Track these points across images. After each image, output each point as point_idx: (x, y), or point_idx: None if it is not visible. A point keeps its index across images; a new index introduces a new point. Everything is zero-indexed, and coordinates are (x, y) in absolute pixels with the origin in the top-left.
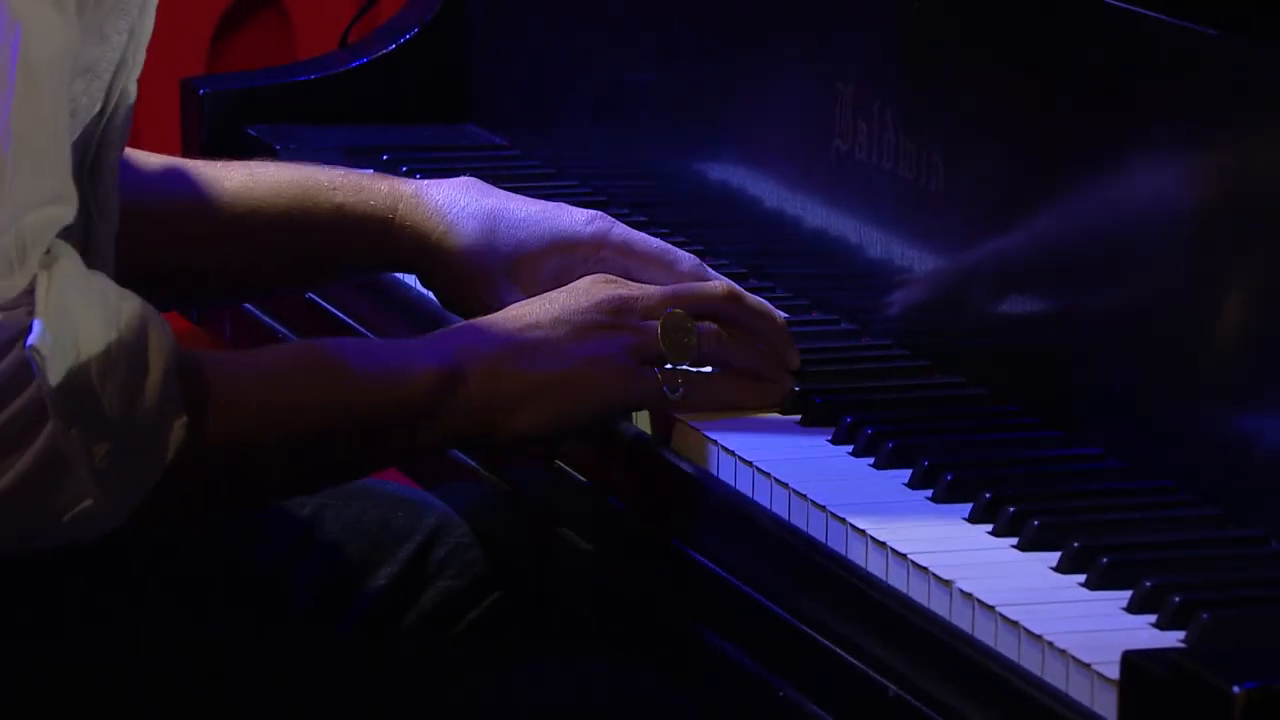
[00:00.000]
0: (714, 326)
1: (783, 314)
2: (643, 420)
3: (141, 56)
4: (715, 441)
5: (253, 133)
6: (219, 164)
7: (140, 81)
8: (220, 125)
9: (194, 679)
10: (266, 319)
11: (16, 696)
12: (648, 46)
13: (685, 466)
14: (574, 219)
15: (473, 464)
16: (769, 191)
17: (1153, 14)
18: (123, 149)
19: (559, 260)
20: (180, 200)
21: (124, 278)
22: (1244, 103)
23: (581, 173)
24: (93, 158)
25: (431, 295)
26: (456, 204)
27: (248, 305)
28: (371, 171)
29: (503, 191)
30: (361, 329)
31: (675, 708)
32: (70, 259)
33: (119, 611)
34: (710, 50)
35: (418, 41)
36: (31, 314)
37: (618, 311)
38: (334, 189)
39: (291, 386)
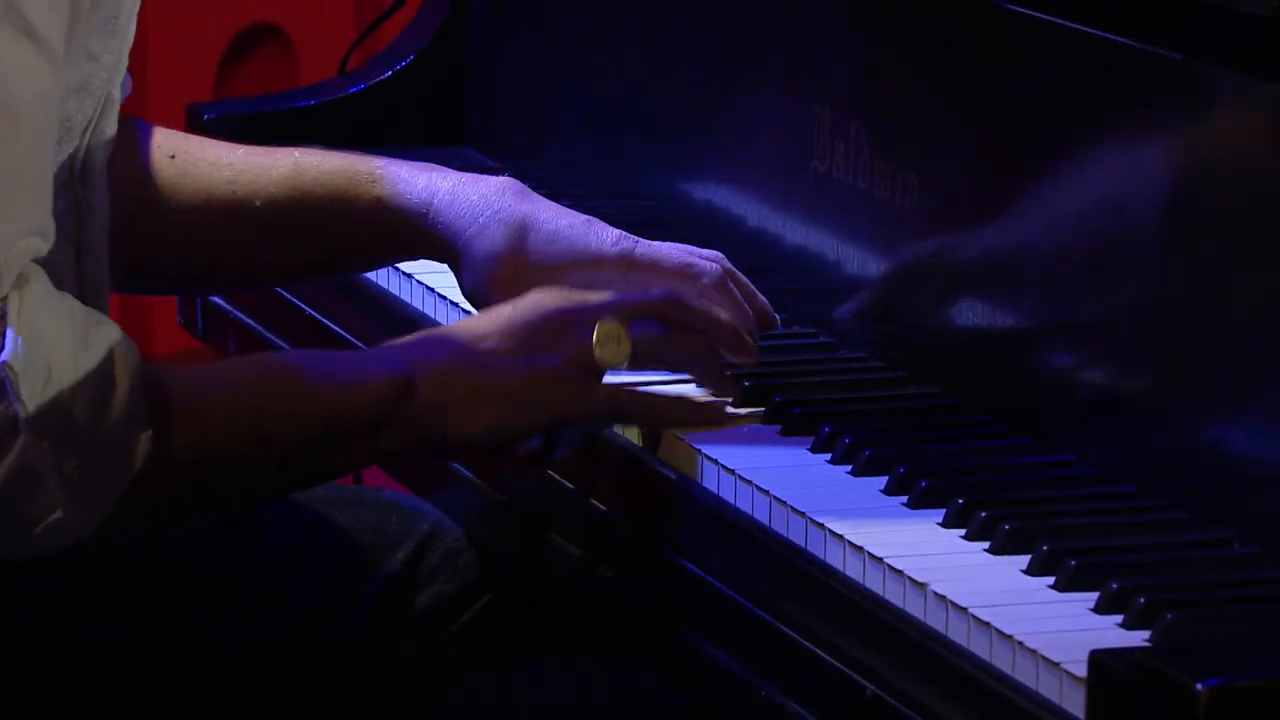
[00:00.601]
0: (650, 331)
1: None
2: (630, 430)
3: (124, 63)
4: (699, 450)
5: None
6: (265, 152)
7: (150, 106)
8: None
9: (193, 680)
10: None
11: (16, 696)
12: (636, 73)
13: (671, 475)
14: (602, 238)
15: (466, 473)
16: (751, 210)
17: (1118, 38)
18: (109, 151)
19: (582, 276)
20: (225, 198)
21: (179, 266)
22: (1207, 122)
23: (573, 193)
24: (82, 162)
25: (400, 295)
26: (491, 206)
27: (217, 300)
28: (412, 162)
29: (540, 199)
30: (336, 328)
31: (662, 707)
32: (40, 281)
33: (119, 612)
34: (695, 76)
35: (414, 68)
36: (3, 335)
37: (560, 324)
38: (374, 181)
39: (254, 397)
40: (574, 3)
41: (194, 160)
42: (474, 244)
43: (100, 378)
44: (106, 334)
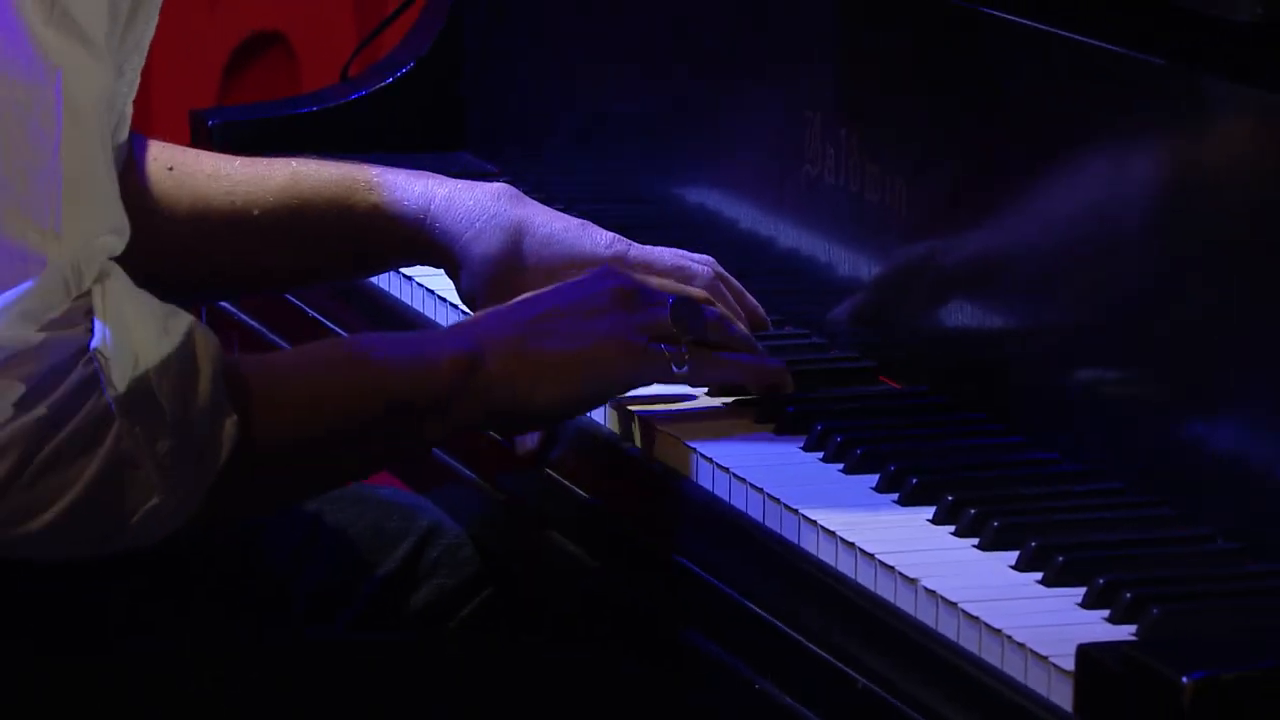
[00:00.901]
0: (720, 311)
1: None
2: (627, 429)
3: (137, 78)
4: (694, 449)
5: None
6: (264, 162)
7: (154, 113)
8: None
9: (197, 678)
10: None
11: (20, 698)
12: (630, 80)
13: (665, 473)
14: (596, 241)
15: (466, 471)
16: (744, 213)
17: (1102, 44)
18: (121, 161)
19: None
20: (224, 207)
21: (180, 274)
22: (1191, 127)
23: (568, 197)
24: None
25: (401, 297)
26: (487, 211)
27: (234, 309)
28: (409, 171)
29: (535, 204)
30: (339, 330)
31: (657, 699)
32: (120, 275)
33: (124, 616)
34: (688, 83)
35: (414, 75)
36: (87, 329)
37: (628, 295)
38: (371, 188)
39: (330, 380)
40: (569, 12)
41: (191, 172)
42: (471, 248)
43: (183, 363)
44: (185, 322)
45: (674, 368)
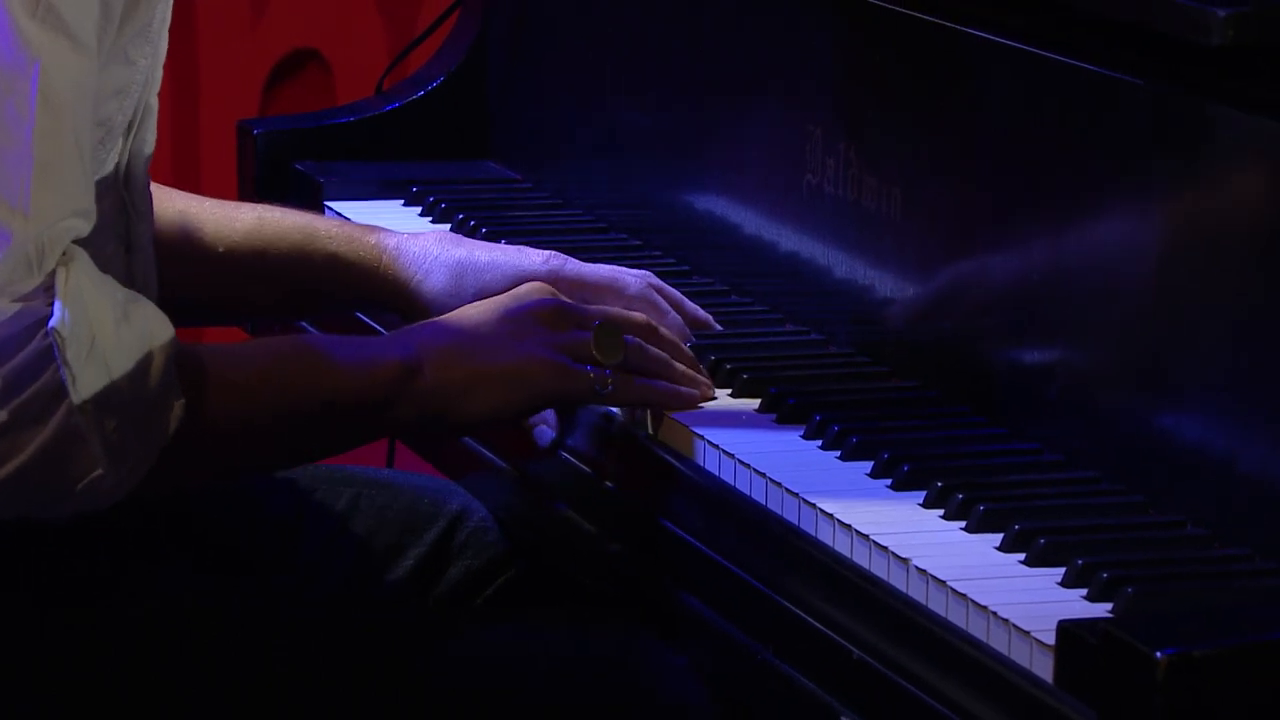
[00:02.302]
0: (638, 340)
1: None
2: (640, 416)
3: (159, 73)
4: (702, 436)
5: (299, 168)
6: (232, 205)
7: (203, 124)
8: (271, 162)
9: (240, 646)
10: None
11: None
12: (644, 94)
13: (675, 459)
14: (531, 260)
15: (494, 457)
16: (749, 219)
17: (1083, 65)
18: (150, 155)
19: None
20: (193, 240)
21: (167, 300)
22: (1167, 144)
23: (586, 203)
24: (126, 167)
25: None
26: (429, 255)
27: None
28: (361, 224)
29: (471, 241)
30: (373, 323)
31: (667, 666)
32: (84, 259)
33: (170, 587)
34: (697, 96)
35: (443, 89)
36: (49, 305)
37: (555, 315)
38: (330, 238)
39: (277, 373)
40: (587, 31)
41: (164, 208)
42: (421, 288)
43: (139, 348)
44: (144, 311)
45: (598, 389)
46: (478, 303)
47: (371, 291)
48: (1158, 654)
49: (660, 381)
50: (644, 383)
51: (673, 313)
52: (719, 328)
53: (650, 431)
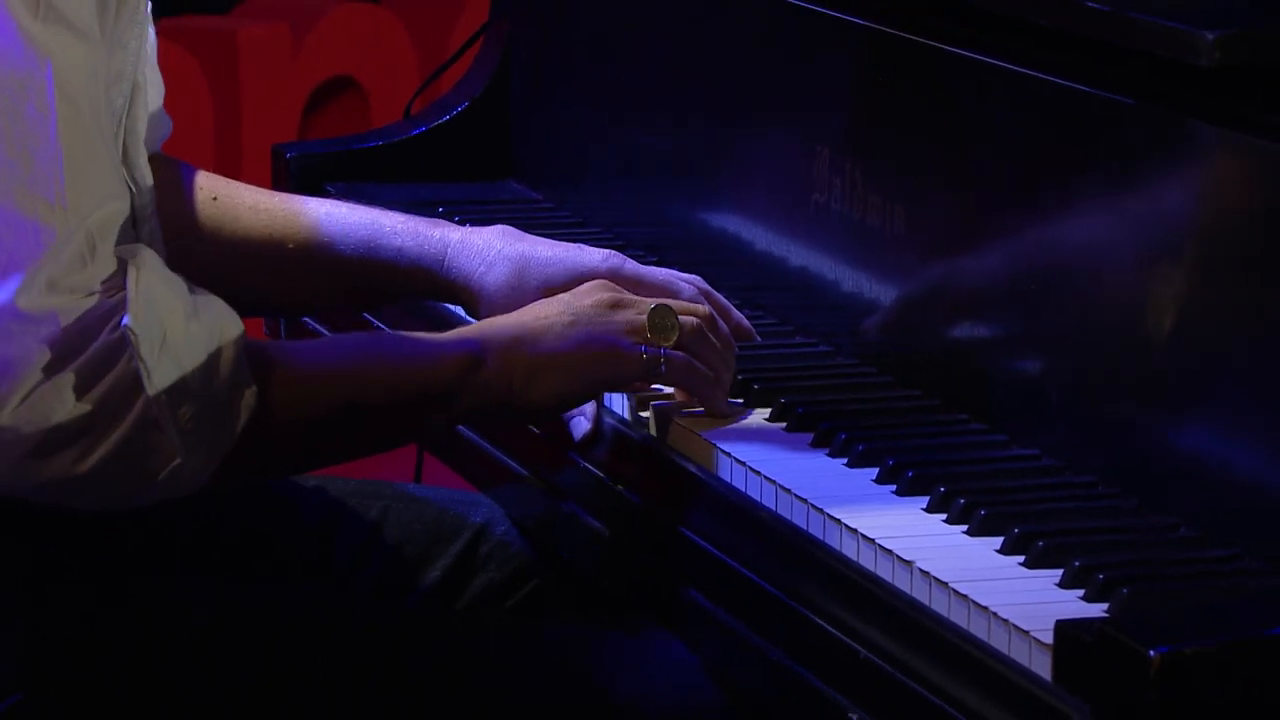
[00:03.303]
0: (694, 320)
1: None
2: (661, 427)
3: (145, 47)
4: (715, 445)
5: (331, 189)
6: (299, 200)
7: (245, 147)
8: (305, 183)
9: (270, 650)
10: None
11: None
12: (659, 117)
13: (690, 467)
14: (592, 257)
15: (518, 468)
16: (759, 236)
17: (1077, 86)
18: (145, 128)
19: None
20: (262, 235)
21: (224, 293)
22: (1157, 160)
23: (604, 221)
24: (123, 142)
25: (455, 310)
26: (492, 249)
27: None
28: (426, 219)
29: (532, 237)
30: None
31: (682, 665)
32: (150, 255)
33: (213, 591)
34: (710, 120)
35: (468, 113)
36: (113, 298)
37: (612, 305)
38: (395, 233)
39: (346, 367)
40: (605, 58)
41: (234, 204)
42: (484, 281)
43: (210, 341)
44: (214, 306)
45: (652, 370)
46: (537, 301)
47: (435, 285)
48: (1151, 652)
49: (705, 374)
50: (696, 367)
51: (732, 310)
52: (759, 339)
53: (653, 434)
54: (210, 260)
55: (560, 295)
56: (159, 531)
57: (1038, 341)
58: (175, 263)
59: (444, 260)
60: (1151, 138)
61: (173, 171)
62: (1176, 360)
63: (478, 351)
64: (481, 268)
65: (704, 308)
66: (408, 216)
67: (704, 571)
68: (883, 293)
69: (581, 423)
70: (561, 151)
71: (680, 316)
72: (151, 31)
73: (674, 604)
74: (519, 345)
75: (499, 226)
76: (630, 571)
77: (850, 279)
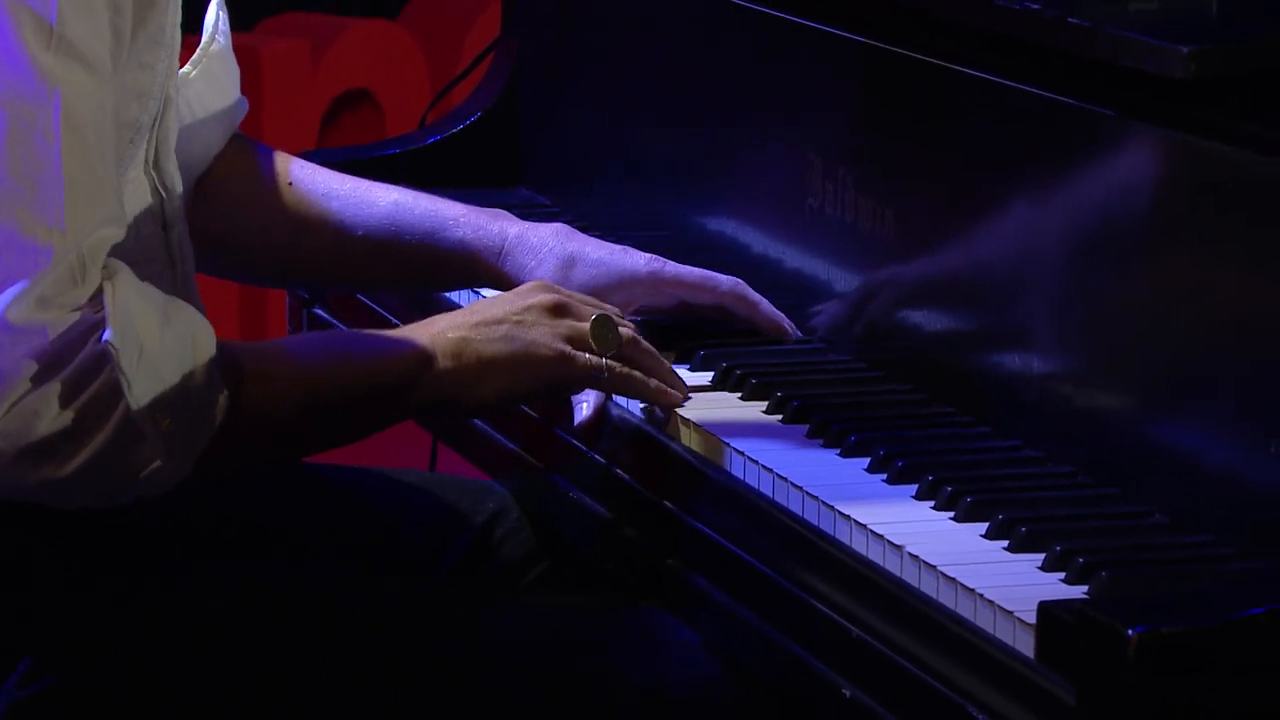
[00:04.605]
0: (631, 331)
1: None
2: (660, 416)
3: (175, 68)
4: (715, 436)
5: None
6: (366, 188)
7: None
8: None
9: (304, 629)
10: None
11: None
12: (662, 126)
13: (691, 457)
14: (635, 261)
15: (528, 458)
16: (756, 239)
17: (1059, 98)
18: (175, 137)
19: (623, 293)
20: (332, 220)
21: (282, 270)
22: (1134, 168)
23: (610, 225)
24: (154, 151)
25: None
26: (546, 245)
27: (319, 310)
28: (488, 210)
29: (585, 237)
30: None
31: (686, 643)
32: (126, 273)
33: (249, 574)
34: (710, 128)
35: (480, 123)
36: (97, 313)
37: (556, 309)
38: (458, 224)
39: (307, 365)
40: (609, 70)
41: (308, 189)
42: (534, 275)
43: (183, 350)
44: (186, 314)
45: (594, 375)
46: (486, 300)
47: (492, 276)
48: (1129, 631)
49: (646, 379)
50: (635, 375)
51: (763, 304)
52: (798, 334)
53: (656, 425)
54: (277, 239)
55: (505, 294)
56: (179, 520)
57: (1020, 339)
58: (240, 239)
59: (501, 253)
60: (1130, 147)
61: (250, 153)
62: (1152, 357)
63: (427, 347)
64: (532, 263)
65: (628, 328)
66: (470, 209)
67: (704, 556)
68: (874, 292)
69: (583, 409)
70: (568, 159)
71: (620, 329)
72: (178, 41)
73: (676, 586)
74: (467, 344)
75: (556, 224)
76: (633, 555)
77: (843, 280)
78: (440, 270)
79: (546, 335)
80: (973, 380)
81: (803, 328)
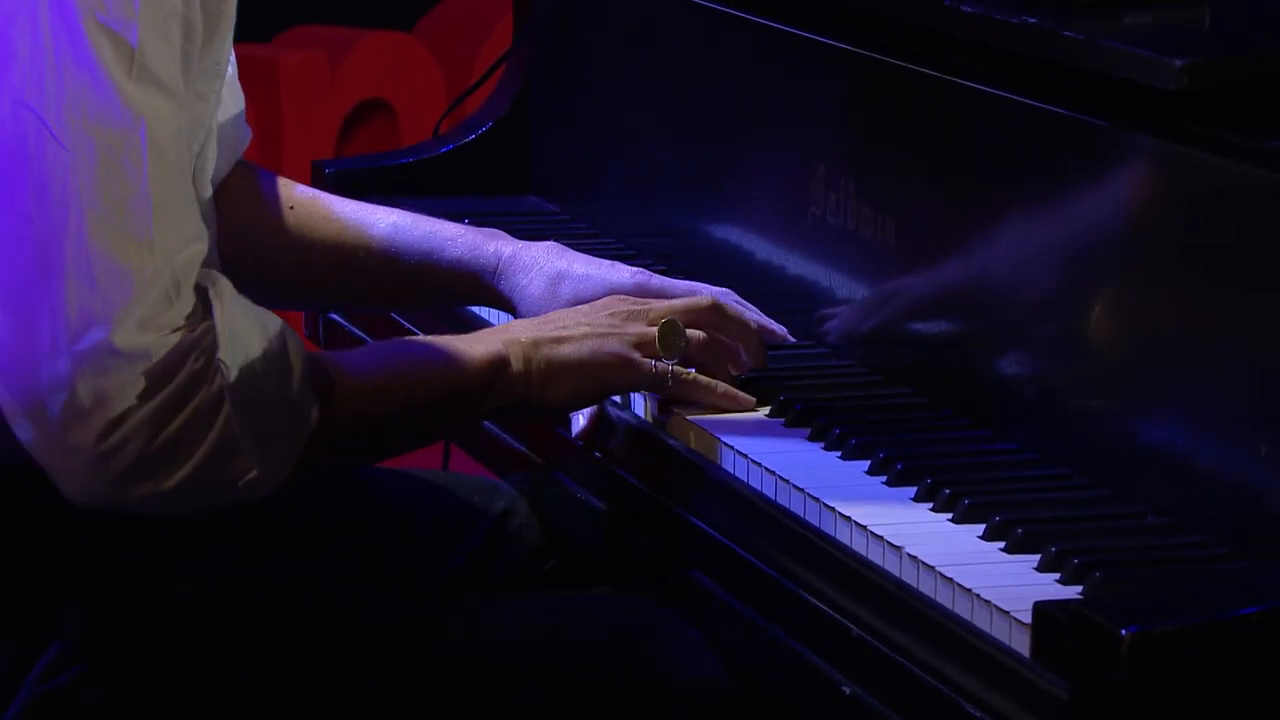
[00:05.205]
0: (702, 334)
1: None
2: (664, 419)
3: (220, 99)
4: (719, 439)
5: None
6: (369, 210)
7: (285, 163)
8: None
9: (312, 626)
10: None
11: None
12: (668, 136)
13: (697, 459)
14: (621, 275)
15: (535, 458)
16: (760, 246)
17: (1054, 109)
18: (213, 170)
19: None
20: (334, 242)
21: (288, 290)
22: (1127, 177)
23: (617, 232)
24: (192, 178)
25: (479, 314)
26: (537, 264)
27: (334, 316)
28: (483, 230)
29: (575, 254)
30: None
31: (686, 641)
32: (226, 284)
33: (272, 571)
34: (715, 138)
35: (491, 133)
36: (194, 332)
37: (625, 318)
38: (455, 243)
39: (390, 374)
40: (617, 81)
41: (309, 213)
42: (525, 292)
43: (281, 361)
44: (277, 324)
45: (659, 382)
46: (558, 310)
47: (487, 293)
48: (1123, 631)
49: (712, 387)
50: (699, 381)
51: (752, 317)
52: (792, 339)
53: (662, 428)
54: (282, 261)
55: (580, 306)
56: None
57: (1017, 344)
58: (246, 261)
59: (496, 272)
60: (1123, 157)
61: (252, 178)
62: (1145, 362)
63: (502, 353)
64: (524, 280)
65: (706, 299)
66: (466, 229)
67: (709, 556)
68: (874, 298)
69: (578, 420)
70: (578, 168)
71: (689, 331)
72: (225, 78)
73: (680, 585)
74: (538, 349)
75: (548, 243)
76: (637, 555)
77: (844, 286)
78: (438, 288)
79: (615, 343)
80: (971, 384)
81: (805, 333)
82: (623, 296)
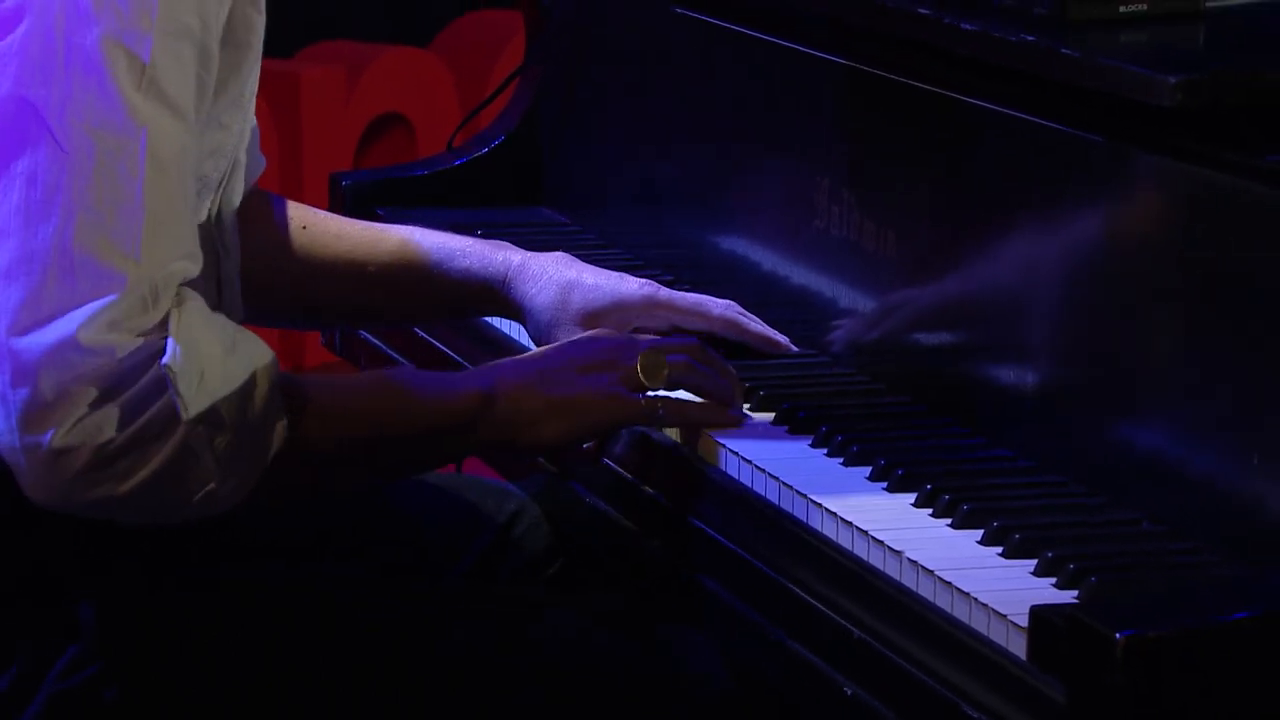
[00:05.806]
0: (684, 358)
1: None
2: (671, 431)
3: (247, 133)
4: (724, 445)
5: (381, 213)
6: (379, 228)
7: (305, 176)
8: (358, 208)
9: (321, 628)
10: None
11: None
12: (676, 150)
13: (702, 465)
14: (629, 286)
15: (546, 464)
16: (765, 257)
17: (1052, 125)
18: (239, 201)
19: (618, 316)
20: (346, 260)
21: (306, 309)
22: (1123, 192)
23: (626, 243)
24: (217, 213)
25: (494, 324)
26: (546, 273)
27: (363, 332)
28: (492, 242)
29: (584, 265)
30: (445, 349)
31: (692, 642)
32: (196, 300)
33: (282, 574)
34: (722, 152)
35: (504, 146)
36: (163, 339)
37: (611, 353)
38: (464, 255)
39: (370, 401)
40: (626, 96)
41: (321, 231)
42: (535, 301)
43: (245, 377)
44: (251, 344)
45: (649, 414)
46: (546, 347)
47: (497, 303)
48: (1117, 635)
49: (703, 405)
50: (692, 405)
51: (754, 325)
52: (795, 349)
53: (670, 435)
54: (298, 279)
55: (565, 342)
56: (213, 521)
57: (1014, 353)
58: (267, 282)
59: (505, 281)
60: (1120, 171)
61: (266, 203)
62: (1140, 373)
63: (489, 390)
64: (534, 289)
65: (683, 343)
66: (475, 240)
67: (713, 560)
68: (876, 309)
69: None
70: (588, 180)
71: (669, 356)
72: (252, 111)
73: (686, 588)
74: (529, 388)
75: (558, 254)
76: (644, 560)
77: (847, 296)
78: (449, 299)
79: (602, 381)
80: (970, 393)
81: (808, 342)
82: (607, 331)
